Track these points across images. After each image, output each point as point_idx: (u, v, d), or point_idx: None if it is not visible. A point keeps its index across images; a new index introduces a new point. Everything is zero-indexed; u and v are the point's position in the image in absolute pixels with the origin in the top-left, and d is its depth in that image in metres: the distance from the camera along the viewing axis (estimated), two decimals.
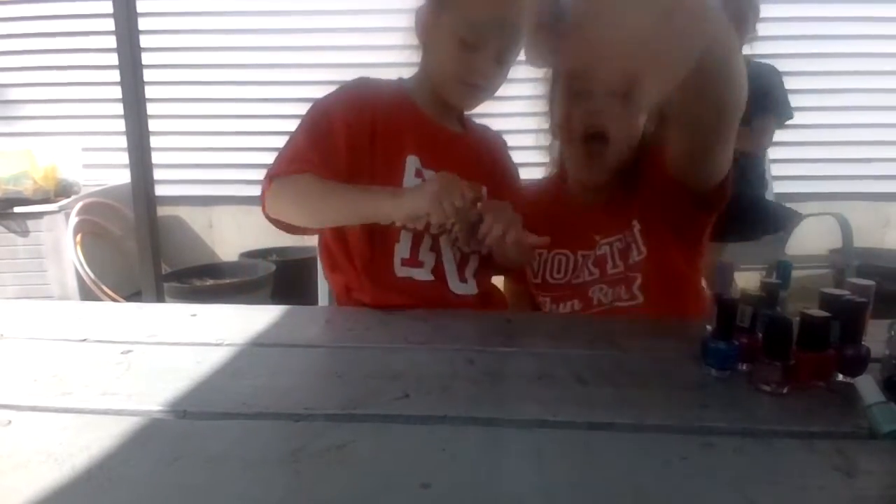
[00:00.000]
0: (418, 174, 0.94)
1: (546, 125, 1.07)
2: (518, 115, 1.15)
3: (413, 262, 0.94)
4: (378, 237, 0.94)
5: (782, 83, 2.00)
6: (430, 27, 0.94)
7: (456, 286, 0.96)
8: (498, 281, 1.10)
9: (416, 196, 0.81)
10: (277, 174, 0.90)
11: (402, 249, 0.94)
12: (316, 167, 0.89)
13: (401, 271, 0.94)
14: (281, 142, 0.94)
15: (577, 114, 0.93)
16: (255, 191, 1.02)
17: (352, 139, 0.91)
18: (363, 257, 0.95)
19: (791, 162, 2.91)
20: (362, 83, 0.98)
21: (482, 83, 0.93)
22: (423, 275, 0.94)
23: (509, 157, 1.09)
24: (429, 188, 0.81)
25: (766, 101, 1.92)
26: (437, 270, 0.95)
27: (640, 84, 0.46)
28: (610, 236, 0.98)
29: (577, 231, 1.00)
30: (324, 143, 0.91)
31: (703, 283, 1.02)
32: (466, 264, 0.98)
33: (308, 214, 0.91)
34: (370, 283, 0.94)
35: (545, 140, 1.11)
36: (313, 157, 0.89)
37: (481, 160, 1.02)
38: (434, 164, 0.94)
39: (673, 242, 0.96)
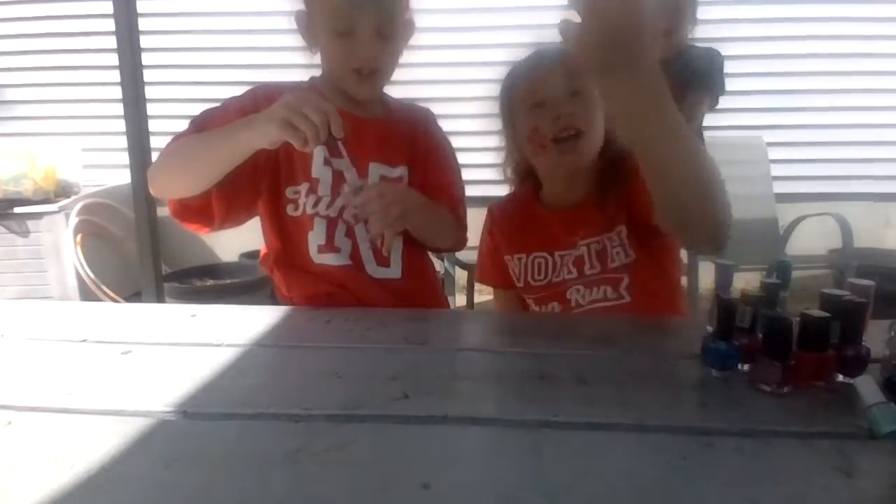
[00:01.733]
0: (327, 162, 0.94)
1: (505, 150, 1.08)
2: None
3: (330, 248, 0.95)
4: (290, 228, 0.95)
5: (721, 66, 2.12)
6: (309, 30, 0.95)
7: (374, 270, 0.97)
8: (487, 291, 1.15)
9: (265, 123, 0.77)
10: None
11: (317, 237, 0.94)
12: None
13: (318, 258, 0.95)
14: None
15: (542, 123, 0.94)
16: None
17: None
18: (274, 249, 0.97)
19: (791, 162, 2.91)
20: (265, 85, 0.98)
21: (370, 65, 0.92)
22: (340, 260, 0.95)
23: (437, 130, 1.08)
24: (275, 114, 0.76)
25: (703, 81, 2.06)
26: (355, 255, 0.96)
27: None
28: (589, 237, 0.98)
29: (554, 233, 1.01)
30: (209, 125, 0.90)
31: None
32: (389, 247, 0.98)
33: (182, 171, 0.89)
34: (282, 273, 0.97)
35: (506, 167, 1.11)
36: (192, 131, 0.90)
37: (400, 140, 1.01)
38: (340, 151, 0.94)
39: (662, 248, 0.97)
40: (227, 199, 0.91)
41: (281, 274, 0.99)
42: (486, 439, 0.50)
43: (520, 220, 1.06)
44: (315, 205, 0.94)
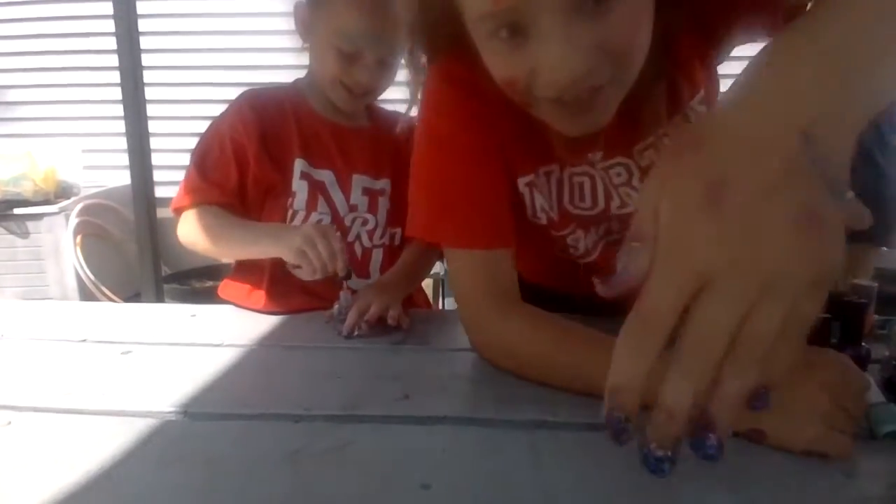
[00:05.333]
0: (304, 176, 0.94)
1: None
2: None
3: None
4: None
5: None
6: (307, 27, 0.93)
7: (355, 283, 0.92)
8: None
9: (285, 246, 0.82)
10: (178, 208, 0.94)
11: None
12: (211, 196, 0.92)
13: (296, 271, 0.93)
14: None
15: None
16: None
17: (240, 155, 0.92)
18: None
19: None
20: (251, 94, 0.97)
21: (364, 89, 0.92)
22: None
23: None
24: (293, 241, 0.80)
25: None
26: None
27: None
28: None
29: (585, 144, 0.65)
30: (215, 169, 0.92)
31: None
32: (370, 259, 0.99)
33: (211, 251, 0.94)
34: (271, 281, 0.93)
35: None
36: (206, 186, 0.92)
37: (385, 151, 1.00)
38: (323, 163, 0.95)
39: None
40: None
41: (270, 278, 0.94)
42: (486, 439, 0.50)
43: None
44: (292, 219, 0.94)
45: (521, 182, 0.68)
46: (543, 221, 0.71)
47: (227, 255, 0.97)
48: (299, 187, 0.94)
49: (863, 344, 0.60)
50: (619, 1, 0.46)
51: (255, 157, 0.92)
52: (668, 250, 0.30)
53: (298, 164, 0.94)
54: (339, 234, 0.84)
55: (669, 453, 0.31)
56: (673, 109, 0.65)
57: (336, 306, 0.82)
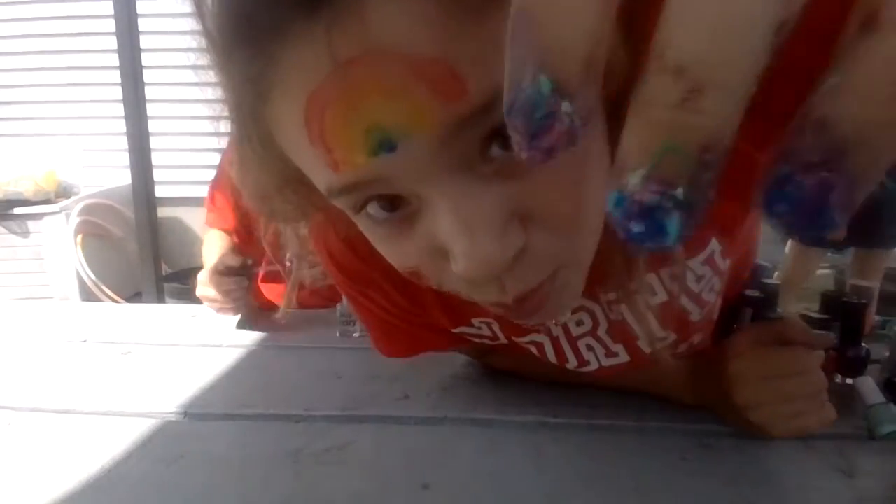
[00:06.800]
0: None
1: None
2: None
3: None
4: None
5: None
6: None
7: None
8: None
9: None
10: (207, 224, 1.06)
11: None
12: (215, 223, 1.04)
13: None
14: None
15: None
16: None
17: None
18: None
19: None
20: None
21: None
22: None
23: None
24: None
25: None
26: None
27: None
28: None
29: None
30: (224, 196, 1.01)
31: None
32: None
33: None
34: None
35: None
36: (214, 213, 1.05)
37: None
38: None
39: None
40: None
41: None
42: (486, 440, 0.50)
43: None
44: None
45: (454, 330, 0.53)
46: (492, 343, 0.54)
47: None
48: None
49: (863, 344, 0.60)
50: None
51: None
52: None
53: None
54: None
55: (679, 191, 0.10)
56: (657, 263, 0.43)
57: (339, 308, 0.82)
